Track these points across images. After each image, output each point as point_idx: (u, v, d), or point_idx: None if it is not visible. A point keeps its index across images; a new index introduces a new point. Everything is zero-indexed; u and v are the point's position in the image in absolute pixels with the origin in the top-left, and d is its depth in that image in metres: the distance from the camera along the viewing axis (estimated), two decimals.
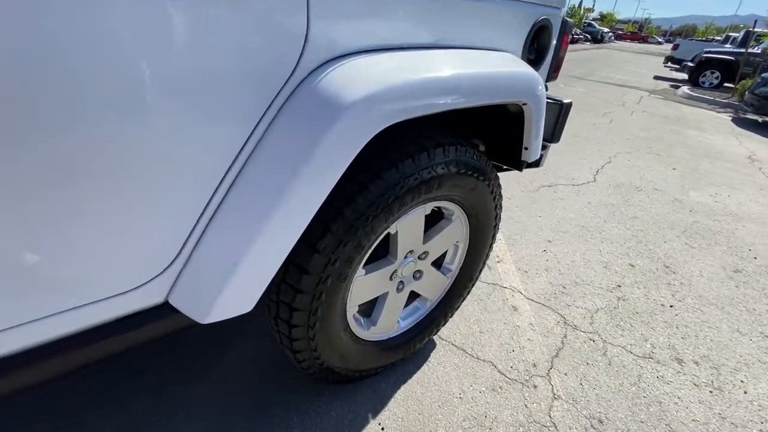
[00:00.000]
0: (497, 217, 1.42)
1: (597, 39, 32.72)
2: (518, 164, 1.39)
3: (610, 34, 40.42)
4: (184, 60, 0.62)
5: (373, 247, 1.06)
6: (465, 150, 1.11)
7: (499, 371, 1.52)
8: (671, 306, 2.01)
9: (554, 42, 1.35)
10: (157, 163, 0.67)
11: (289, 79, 0.75)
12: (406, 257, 1.22)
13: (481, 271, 1.55)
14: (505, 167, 1.52)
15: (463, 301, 1.57)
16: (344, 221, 0.92)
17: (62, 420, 1.17)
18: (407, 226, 1.12)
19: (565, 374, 1.54)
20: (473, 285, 1.56)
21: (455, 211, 1.26)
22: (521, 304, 1.90)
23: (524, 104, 1.16)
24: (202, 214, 0.78)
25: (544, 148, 1.52)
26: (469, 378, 1.48)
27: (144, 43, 0.58)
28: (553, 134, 1.52)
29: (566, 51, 1.46)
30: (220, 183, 0.76)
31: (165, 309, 0.84)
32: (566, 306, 1.92)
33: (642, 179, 3.76)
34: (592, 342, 1.72)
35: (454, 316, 1.74)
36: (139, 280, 0.78)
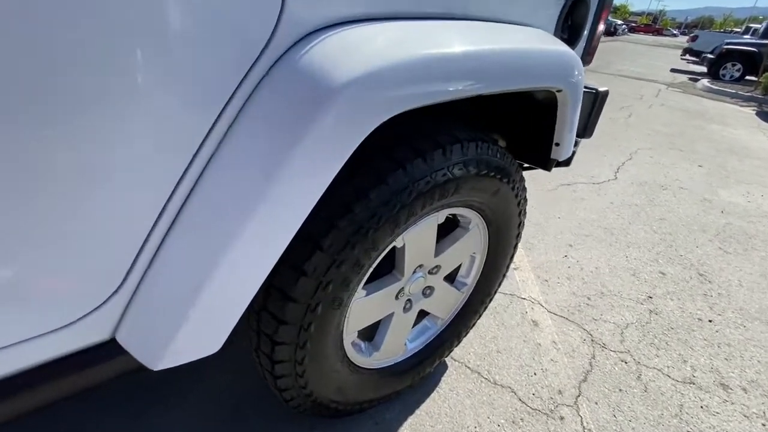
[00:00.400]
0: (521, 225, 1.22)
1: (610, 31, 31.92)
2: (546, 163, 1.19)
3: (624, 26, 39.49)
4: (106, 27, 0.43)
5: (375, 264, 0.87)
6: (487, 147, 0.91)
7: (520, 399, 1.33)
8: (710, 321, 1.80)
9: (590, 18, 1.14)
10: (88, 165, 0.49)
11: (260, 56, 0.56)
12: (414, 272, 1.04)
13: (500, 284, 1.36)
14: (526, 166, 1.32)
15: (479, 318, 1.39)
16: (338, 237, 0.73)
17: None
18: (416, 238, 0.93)
19: (596, 403, 1.35)
20: (491, 300, 1.37)
21: (473, 218, 1.07)
22: (542, 319, 1.70)
23: (559, 91, 0.96)
24: (152, 230, 0.60)
25: (575, 144, 1.31)
26: (485, 407, 1.29)
27: None
28: (585, 128, 1.32)
29: (604, 29, 1.25)
30: (174, 191, 0.58)
31: (113, 347, 0.67)
32: (592, 320, 1.72)
33: (666, 177, 3.51)
34: (624, 364, 1.52)
35: (468, 334, 1.55)
36: (73, 314, 0.61)
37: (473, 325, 1.38)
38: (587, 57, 1.27)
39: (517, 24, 0.92)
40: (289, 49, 0.58)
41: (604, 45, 20.76)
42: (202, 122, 0.55)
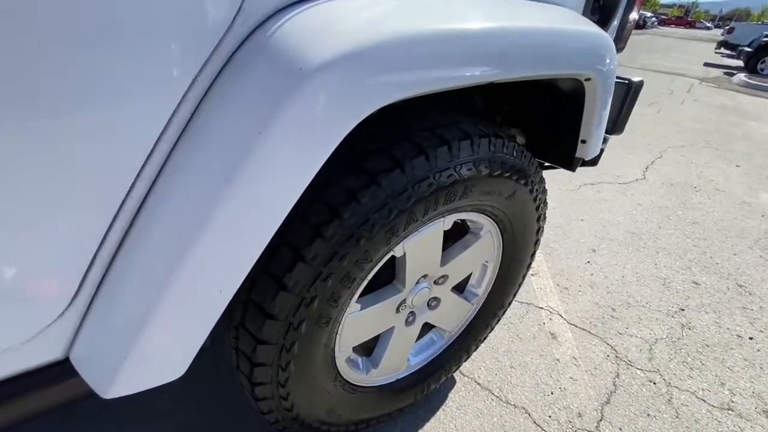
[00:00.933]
0: (540, 231, 1.10)
1: (638, 24, 30.74)
2: (570, 162, 1.06)
3: (654, 19, 37.95)
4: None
5: (369, 277, 0.77)
6: (502, 144, 0.79)
7: (534, 422, 1.21)
8: (751, 338, 1.63)
9: (624, 2, 1.00)
10: (31, 162, 0.41)
11: (224, 36, 0.46)
12: (418, 283, 0.93)
13: (515, 295, 1.24)
14: (547, 165, 1.20)
15: (491, 331, 1.27)
16: (324, 247, 0.63)
17: None
18: (419, 247, 0.83)
19: (620, 429, 1.21)
20: (504, 313, 1.26)
21: (485, 224, 0.95)
22: (561, 331, 1.57)
23: (587, 80, 0.83)
24: (105, 237, 0.51)
25: (604, 141, 1.18)
26: (495, 429, 1.18)
27: None
28: (616, 123, 1.17)
29: (639, 13, 1.10)
30: (128, 194, 0.49)
31: (67, 368, 0.59)
32: (617, 334, 1.58)
33: (700, 177, 3.27)
34: (652, 385, 1.38)
35: (480, 346, 1.44)
36: (23, 330, 0.53)
37: (485, 338, 1.27)
38: (620, 43, 1.13)
39: (545, 2, 0.80)
40: (255, 29, 0.48)
41: (632, 38, 19.94)
42: (157, 115, 0.46)
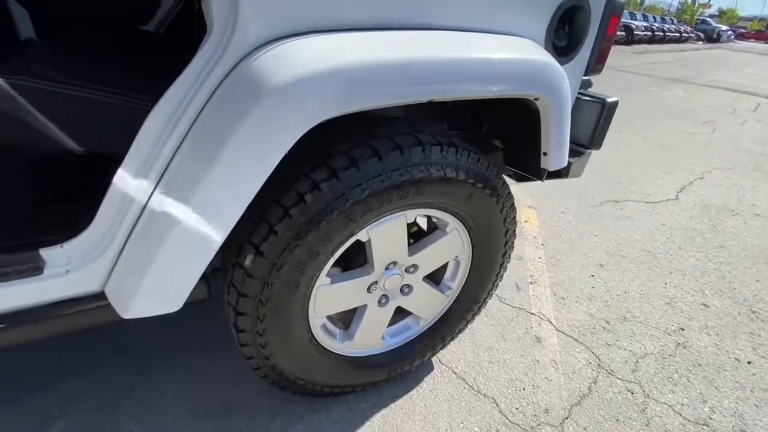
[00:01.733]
0: (508, 233, 1.21)
1: (712, 38, 28.53)
2: (538, 172, 1.17)
3: (730, 32, 34.94)
4: None
5: (336, 255, 0.94)
6: (455, 151, 0.94)
7: (501, 411, 1.31)
8: (749, 362, 1.59)
9: (595, 26, 1.11)
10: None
11: (217, 62, 0.67)
12: (388, 269, 1.09)
13: (490, 294, 1.35)
14: (528, 176, 1.30)
15: (466, 325, 1.39)
16: (291, 224, 0.82)
17: (41, 388, 1.24)
18: (383, 235, 0.99)
19: (584, 429, 1.28)
20: (480, 308, 1.37)
21: (450, 221, 1.09)
22: (547, 336, 1.63)
23: (536, 99, 0.96)
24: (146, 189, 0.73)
25: (579, 154, 1.27)
26: (462, 413, 1.29)
27: None
28: (592, 138, 1.27)
29: (614, 38, 1.20)
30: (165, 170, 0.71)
31: (101, 298, 0.82)
32: (605, 345, 1.62)
33: (741, 201, 3.10)
34: (629, 394, 1.41)
35: (462, 340, 1.55)
36: (76, 263, 0.76)
37: (460, 331, 1.39)
38: (596, 65, 1.23)
39: (491, 32, 0.94)
40: (242, 60, 0.68)
41: (703, 53, 18.62)
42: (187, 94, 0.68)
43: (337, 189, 0.82)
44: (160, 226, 0.70)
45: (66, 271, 0.75)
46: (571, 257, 2.20)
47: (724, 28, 31.94)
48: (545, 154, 1.09)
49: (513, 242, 1.27)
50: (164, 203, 0.71)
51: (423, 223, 1.25)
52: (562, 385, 1.42)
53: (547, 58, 0.94)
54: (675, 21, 26.79)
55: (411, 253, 1.10)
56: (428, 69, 0.75)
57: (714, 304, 1.92)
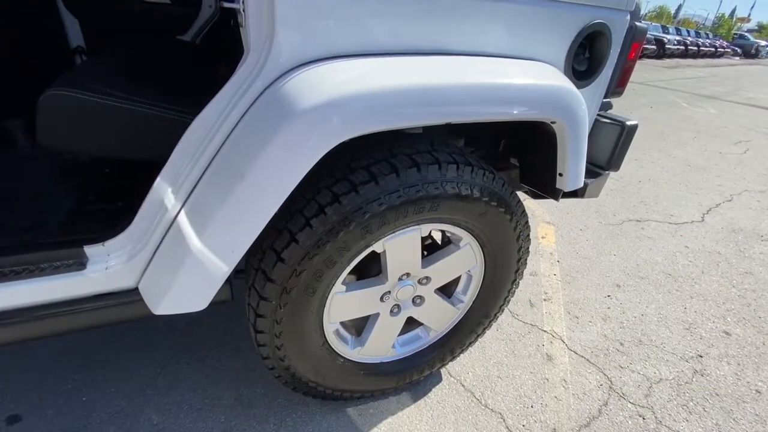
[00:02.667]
0: (521, 250, 1.23)
1: (750, 53, 27.50)
2: (553, 191, 1.19)
3: None
4: None
5: (352, 264, 0.99)
6: (470, 170, 0.97)
7: (507, 427, 1.31)
8: None
9: (615, 51, 1.13)
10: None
11: (253, 82, 0.73)
12: (401, 279, 1.12)
13: (501, 309, 1.36)
14: (543, 194, 1.32)
15: (477, 338, 1.40)
16: (312, 233, 0.87)
17: (73, 374, 1.32)
18: (397, 247, 1.03)
19: None
20: (491, 323, 1.38)
21: (463, 237, 1.12)
22: (559, 354, 1.63)
23: (553, 122, 0.98)
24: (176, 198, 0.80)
25: (596, 175, 1.28)
26: (468, 426, 1.30)
27: None
28: (610, 161, 1.28)
29: (635, 62, 1.21)
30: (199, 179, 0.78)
31: (135, 293, 0.89)
32: (618, 367, 1.60)
33: None
34: (641, 419, 1.39)
35: (472, 353, 1.57)
36: (120, 258, 0.83)
37: (470, 344, 1.40)
38: (617, 88, 1.24)
39: (511, 57, 0.97)
40: (273, 82, 0.74)
41: (739, 69, 17.98)
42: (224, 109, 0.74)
43: (356, 202, 0.87)
44: (193, 231, 0.76)
45: (105, 268, 0.82)
46: (587, 276, 2.18)
47: (763, 43, 30.71)
48: (561, 174, 1.11)
49: (526, 259, 1.28)
50: (197, 209, 0.76)
51: (437, 236, 1.28)
52: (572, 405, 1.42)
53: (565, 83, 0.96)
54: (710, 35, 25.96)
55: (424, 265, 1.13)
56: (446, 93, 0.79)
57: (736, 332, 1.86)
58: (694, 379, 1.58)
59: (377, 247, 1.00)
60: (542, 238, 2.51)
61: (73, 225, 0.94)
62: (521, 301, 1.89)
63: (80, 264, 0.80)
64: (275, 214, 0.78)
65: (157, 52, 1.40)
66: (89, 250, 0.81)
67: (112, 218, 0.96)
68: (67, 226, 0.92)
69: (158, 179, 0.78)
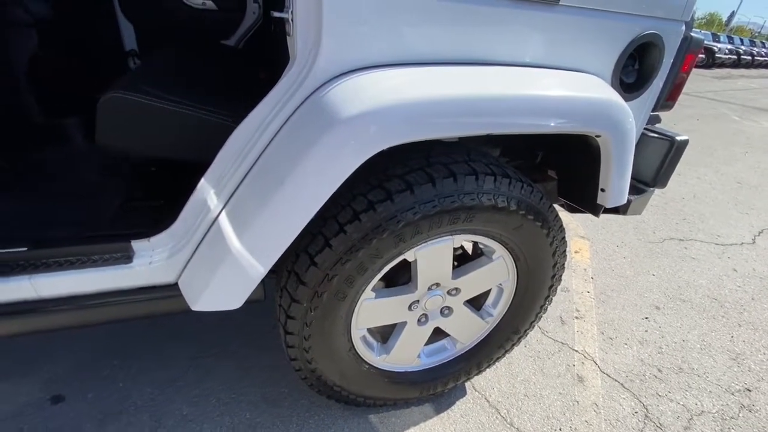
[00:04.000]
0: (556, 266, 1.19)
1: None
2: (594, 208, 1.14)
3: None
4: None
5: (383, 272, 0.99)
6: (508, 182, 0.95)
7: None
8: None
9: (668, 63, 1.07)
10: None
11: (298, 89, 0.74)
12: (430, 289, 1.11)
13: (532, 325, 1.32)
14: (582, 209, 1.27)
15: (505, 354, 1.37)
16: (345, 239, 0.87)
17: (112, 360, 1.39)
18: (429, 256, 1.02)
19: None
20: (520, 339, 1.34)
21: (496, 249, 1.10)
22: (590, 376, 1.56)
23: (597, 136, 0.94)
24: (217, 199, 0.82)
25: (640, 192, 1.23)
26: None
27: None
28: (656, 177, 1.22)
29: (688, 75, 1.15)
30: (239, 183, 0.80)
31: (175, 288, 0.92)
32: (655, 395, 1.51)
33: None
34: None
35: (499, 368, 1.53)
36: (162, 252, 0.87)
37: (497, 359, 1.37)
38: (667, 101, 1.18)
39: (566, 69, 0.94)
40: (316, 90, 0.75)
41: None
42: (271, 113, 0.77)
43: (391, 210, 0.87)
44: (232, 232, 0.78)
45: (149, 262, 0.86)
46: (623, 295, 2.08)
47: None
48: (603, 190, 1.07)
49: (561, 275, 1.24)
50: (237, 211, 0.79)
51: (468, 246, 1.26)
52: (603, 431, 1.35)
53: (612, 96, 0.93)
54: (766, 44, 24.33)
55: (455, 276, 1.11)
56: (485, 104, 0.77)
57: None
58: (740, 415, 1.47)
59: (409, 255, 0.99)
60: (576, 252, 2.42)
61: (121, 220, 0.99)
62: (552, 318, 1.83)
63: (127, 257, 0.84)
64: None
65: (204, 57, 1.47)
66: (136, 244, 0.85)
67: (156, 215, 1.01)
68: (115, 221, 0.97)
69: (202, 180, 0.81)
